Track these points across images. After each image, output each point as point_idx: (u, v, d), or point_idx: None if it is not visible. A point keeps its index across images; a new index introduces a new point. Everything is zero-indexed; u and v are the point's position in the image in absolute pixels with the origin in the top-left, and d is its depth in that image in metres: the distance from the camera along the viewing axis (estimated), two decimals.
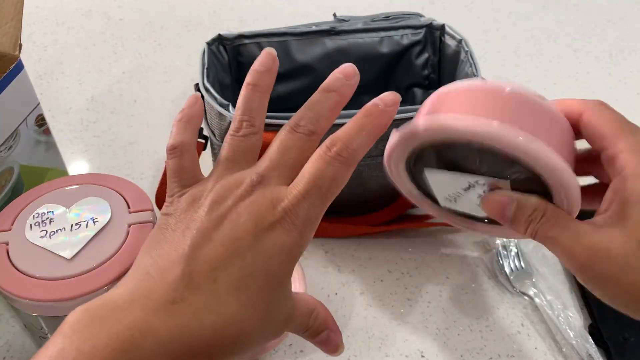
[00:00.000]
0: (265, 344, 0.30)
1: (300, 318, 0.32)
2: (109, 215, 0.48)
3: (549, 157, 0.29)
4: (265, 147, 0.61)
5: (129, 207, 0.49)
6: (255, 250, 0.28)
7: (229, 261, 0.28)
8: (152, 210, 0.49)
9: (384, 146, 0.35)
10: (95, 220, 0.47)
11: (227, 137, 0.33)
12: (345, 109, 0.34)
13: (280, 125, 0.56)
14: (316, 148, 0.31)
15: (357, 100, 0.35)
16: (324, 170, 0.30)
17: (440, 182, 0.35)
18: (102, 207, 0.48)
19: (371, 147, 0.31)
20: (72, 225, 0.47)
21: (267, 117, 0.56)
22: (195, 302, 0.27)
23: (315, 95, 0.32)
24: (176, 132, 0.33)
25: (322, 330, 0.33)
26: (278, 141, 0.32)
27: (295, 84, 0.71)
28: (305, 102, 0.32)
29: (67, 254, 0.45)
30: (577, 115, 0.32)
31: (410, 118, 0.56)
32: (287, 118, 0.56)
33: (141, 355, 0.25)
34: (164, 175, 0.58)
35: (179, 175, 0.32)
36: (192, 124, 0.34)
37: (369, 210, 0.65)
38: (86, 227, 0.47)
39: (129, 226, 0.47)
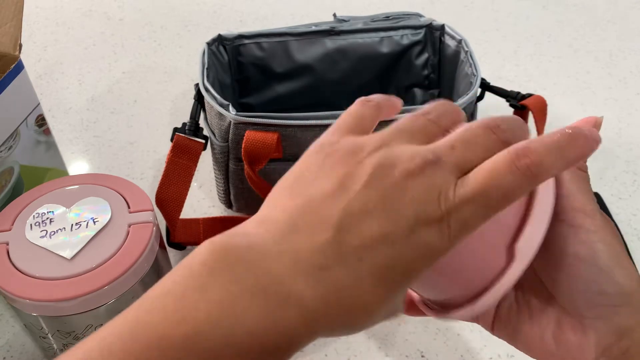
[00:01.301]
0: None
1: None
2: (109, 215, 0.48)
3: None
4: (263, 146, 0.60)
5: (129, 207, 0.49)
6: (406, 244, 0.26)
7: (378, 245, 0.25)
8: (152, 210, 0.49)
9: None
10: (95, 220, 0.47)
11: (409, 115, 0.30)
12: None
13: (280, 126, 0.57)
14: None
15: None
16: (503, 177, 0.26)
17: None
18: (102, 207, 0.48)
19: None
20: (72, 225, 0.47)
21: (267, 117, 0.56)
22: (339, 276, 0.25)
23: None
24: (378, 97, 0.33)
25: None
26: (468, 133, 0.28)
27: (295, 84, 0.71)
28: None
29: (67, 254, 0.45)
30: None
31: None
32: (287, 118, 0.57)
33: (284, 315, 0.24)
34: (164, 175, 0.58)
35: (356, 121, 0.31)
36: (385, 110, 0.33)
37: None
38: (86, 227, 0.47)
39: (129, 226, 0.47)
